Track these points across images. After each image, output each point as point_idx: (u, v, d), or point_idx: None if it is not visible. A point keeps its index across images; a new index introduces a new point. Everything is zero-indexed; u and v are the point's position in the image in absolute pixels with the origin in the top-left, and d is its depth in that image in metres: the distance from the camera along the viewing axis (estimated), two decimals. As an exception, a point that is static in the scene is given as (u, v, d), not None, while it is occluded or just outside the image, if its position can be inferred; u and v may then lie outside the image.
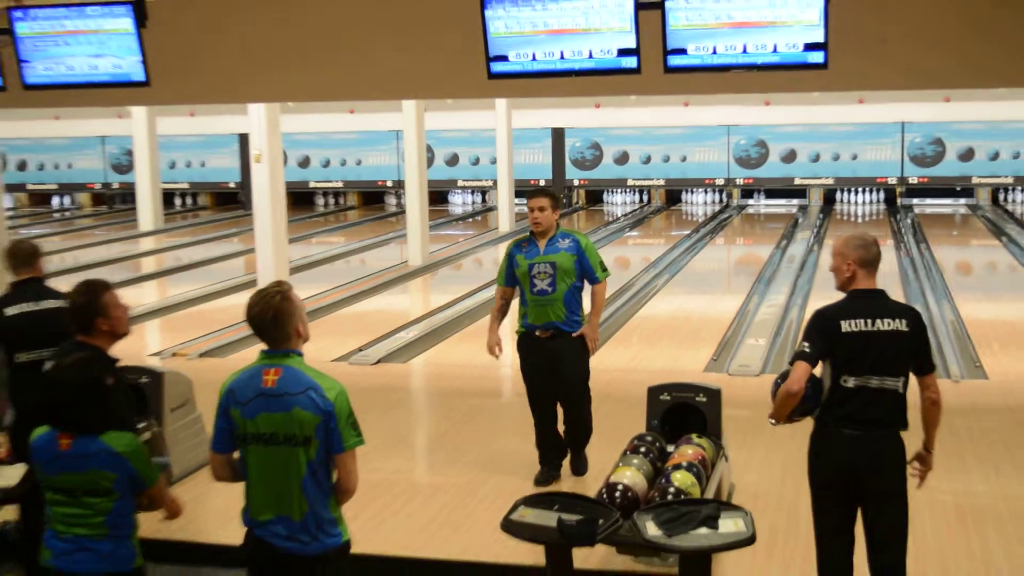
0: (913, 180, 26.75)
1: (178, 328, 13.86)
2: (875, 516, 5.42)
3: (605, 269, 7.73)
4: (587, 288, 7.73)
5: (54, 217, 30.02)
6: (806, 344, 5.40)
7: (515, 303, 7.85)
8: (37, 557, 4.76)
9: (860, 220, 25.56)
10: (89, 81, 7.53)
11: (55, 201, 32.28)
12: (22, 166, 31.12)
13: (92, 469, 4.54)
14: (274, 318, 4.51)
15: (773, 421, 5.53)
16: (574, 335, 7.63)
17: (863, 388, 5.31)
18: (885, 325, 5.31)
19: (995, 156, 26.26)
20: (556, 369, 7.65)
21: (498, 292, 7.98)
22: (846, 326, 5.33)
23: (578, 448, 7.94)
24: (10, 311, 6.45)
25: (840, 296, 5.51)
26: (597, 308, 7.79)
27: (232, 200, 30.71)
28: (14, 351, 6.36)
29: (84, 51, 7.44)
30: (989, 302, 15.24)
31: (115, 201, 31.34)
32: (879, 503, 5.40)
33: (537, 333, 7.67)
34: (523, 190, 27.38)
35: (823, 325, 5.40)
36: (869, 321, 5.32)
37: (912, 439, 5.49)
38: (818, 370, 5.45)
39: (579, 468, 7.90)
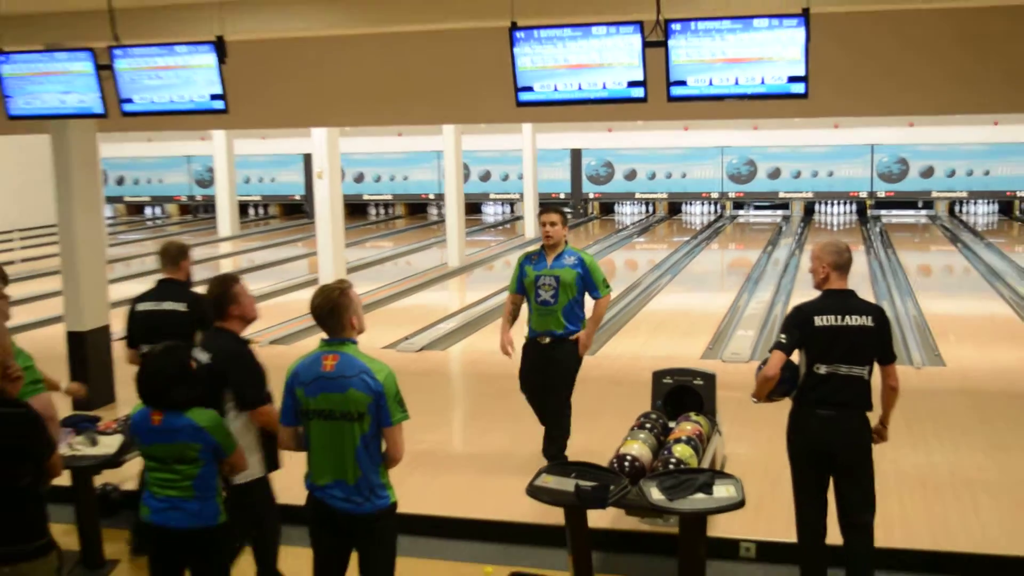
0: (881, 194, 26.59)
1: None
2: (844, 484, 5.45)
3: (607, 286, 7.43)
4: (590, 301, 7.47)
5: (146, 225, 30.13)
6: (783, 336, 5.45)
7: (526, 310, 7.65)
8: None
9: (835, 228, 25.43)
10: (177, 109, 7.54)
11: (147, 211, 32.40)
12: (120, 181, 31.25)
13: (180, 441, 4.60)
14: (332, 310, 4.56)
15: (755, 400, 5.61)
16: (570, 338, 7.38)
17: (833, 375, 5.34)
18: (853, 321, 5.33)
19: (952, 173, 26.06)
20: (548, 364, 7.41)
21: (508, 298, 7.71)
22: (819, 320, 5.35)
23: (557, 453, 7.40)
24: (140, 307, 6.51)
25: (816, 294, 5.53)
26: (595, 318, 7.45)
27: (297, 210, 30.77)
28: (139, 343, 6.35)
29: (173, 83, 7.45)
30: (947, 299, 15.13)
31: (198, 211, 31.44)
32: (848, 474, 5.43)
33: (538, 339, 7.44)
34: (545, 202, 27.45)
35: (799, 319, 5.43)
36: (839, 317, 5.34)
37: (877, 419, 5.48)
38: (796, 358, 5.47)
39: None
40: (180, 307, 6.36)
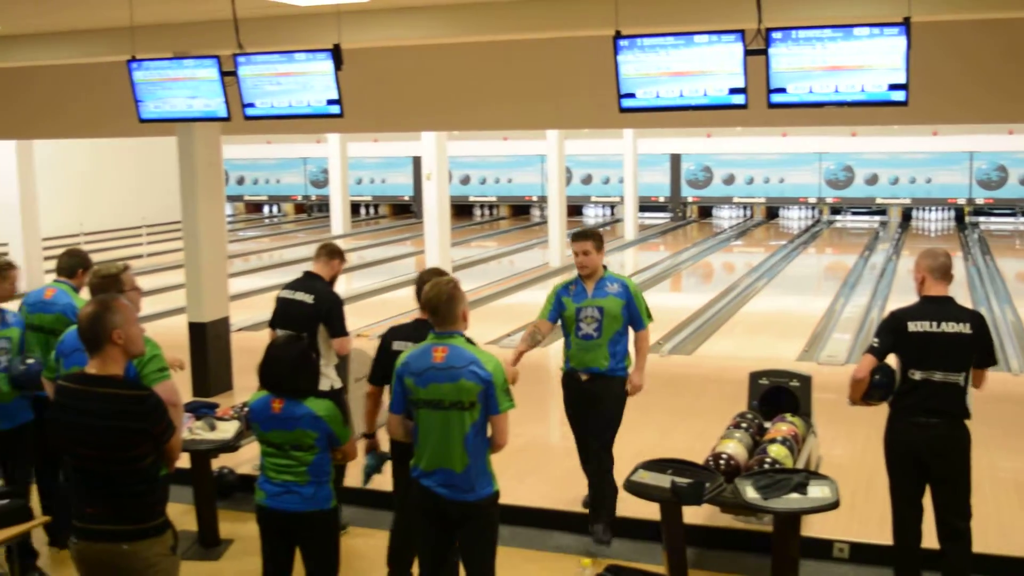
0: (980, 201, 25.92)
1: (362, 313, 14.06)
2: (941, 492, 5.32)
3: (650, 316, 6.52)
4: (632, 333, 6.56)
5: (264, 223, 30.69)
6: (876, 340, 5.35)
7: (559, 342, 6.96)
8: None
9: (933, 235, 24.82)
10: (295, 113, 7.66)
11: (265, 210, 33.00)
12: (240, 181, 31.88)
13: (298, 428, 4.68)
14: (447, 300, 4.59)
15: (851, 402, 5.47)
16: (616, 376, 6.44)
17: (928, 381, 5.20)
18: (949, 327, 5.19)
19: (1054, 180, 25.42)
20: (591, 403, 6.46)
21: (536, 322, 6.73)
22: (912, 326, 5.22)
23: (601, 509, 6.45)
24: (281, 293, 6.79)
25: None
26: (643, 354, 6.53)
27: (406, 210, 31.05)
28: (276, 327, 6.64)
29: (292, 89, 7.57)
30: (1046, 306, 14.69)
31: (312, 210, 31.90)
32: (944, 481, 5.29)
33: (579, 375, 6.52)
34: (646, 205, 27.34)
35: (892, 324, 5.32)
36: (935, 323, 5.20)
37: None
38: (895, 363, 5.34)
39: (602, 537, 6.42)
40: (308, 299, 6.57)
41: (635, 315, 6.42)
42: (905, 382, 5.27)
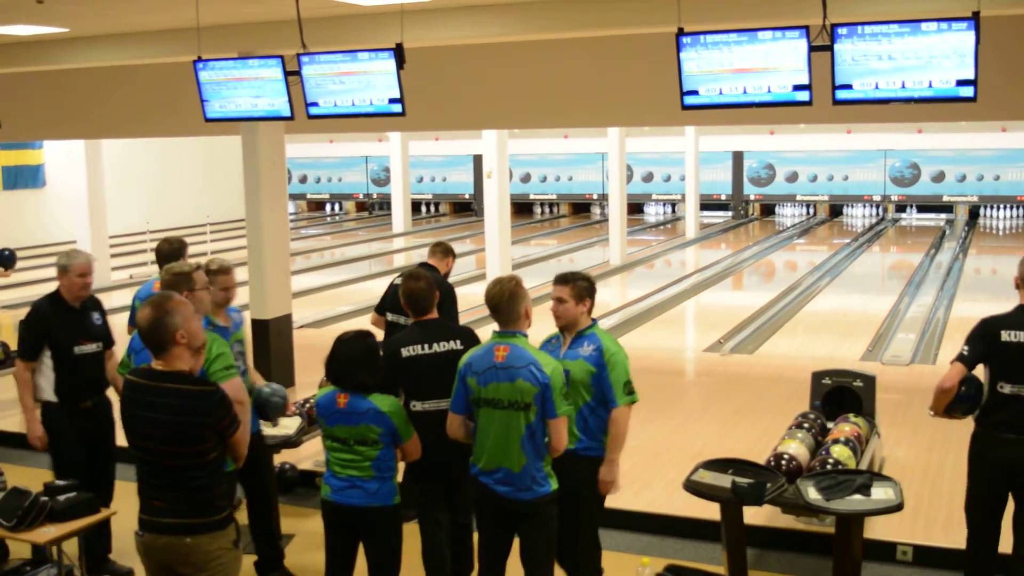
0: (1051, 198, 25.48)
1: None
2: (1022, 515, 5.07)
3: (631, 392, 5.02)
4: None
5: (326, 221, 30.94)
6: (966, 348, 5.04)
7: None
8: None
9: (1001, 233, 24.39)
10: (358, 112, 7.71)
11: (327, 208, 33.27)
12: (303, 179, 32.17)
13: (362, 423, 4.71)
14: (509, 299, 4.62)
15: (932, 413, 5.18)
16: (591, 461, 5.04)
17: (1018, 395, 4.92)
18: None
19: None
20: (564, 491, 4.82)
21: None
22: (1006, 335, 4.93)
23: None
24: (396, 280, 7.07)
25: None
26: (615, 442, 5.01)
27: (467, 208, 31.16)
28: (386, 311, 7.15)
29: (355, 88, 7.61)
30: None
31: (374, 208, 32.11)
32: None
33: None
34: (708, 204, 27.17)
35: (984, 332, 5.02)
36: None
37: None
38: (982, 374, 5.10)
39: None
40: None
41: (606, 389, 4.99)
42: (994, 395, 5.00)
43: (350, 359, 4.77)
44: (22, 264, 20.60)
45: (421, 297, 5.32)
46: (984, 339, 5.01)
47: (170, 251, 6.73)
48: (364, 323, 7.28)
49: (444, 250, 7.39)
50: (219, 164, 27.25)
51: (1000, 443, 4.99)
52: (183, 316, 4.06)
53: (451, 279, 7.43)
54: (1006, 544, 5.23)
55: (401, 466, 4.99)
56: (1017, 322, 4.95)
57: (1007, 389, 4.95)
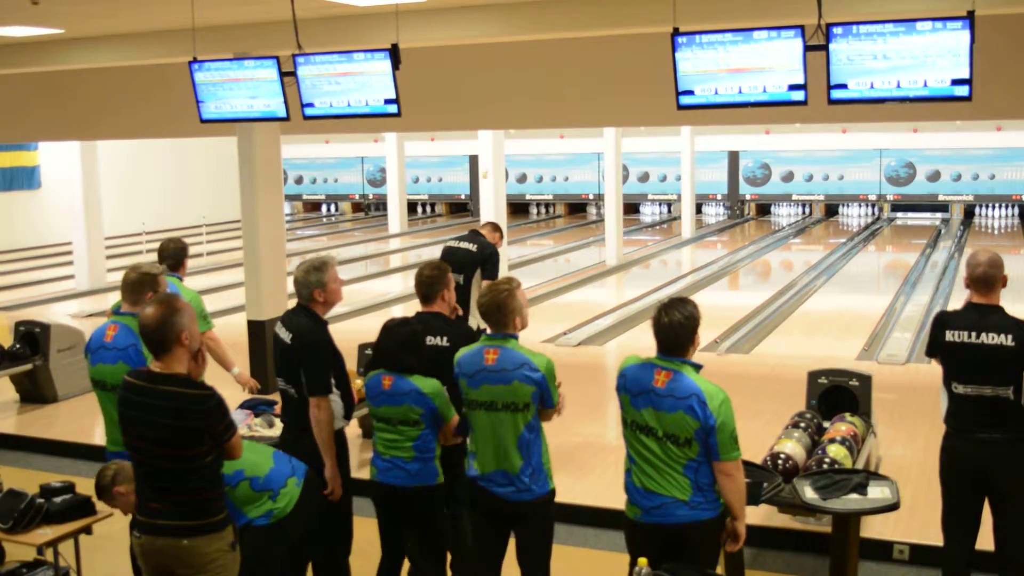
0: (1046, 197, 25.52)
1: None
2: (1001, 512, 5.06)
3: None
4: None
5: (322, 222, 30.91)
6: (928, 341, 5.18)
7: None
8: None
9: (996, 232, 24.42)
10: (354, 113, 7.71)
11: (323, 208, 33.26)
12: (299, 180, 32.13)
13: (405, 403, 4.88)
14: (498, 307, 4.64)
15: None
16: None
17: (975, 395, 4.91)
18: (989, 339, 4.85)
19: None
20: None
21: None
22: (950, 335, 4.96)
23: None
24: (449, 243, 8.48)
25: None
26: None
27: (463, 209, 31.13)
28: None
29: (350, 88, 7.61)
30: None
31: (370, 209, 32.07)
32: (1003, 501, 5.02)
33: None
34: (703, 203, 27.15)
35: (933, 328, 5.09)
36: (974, 334, 4.89)
37: None
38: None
39: None
40: (472, 247, 8.30)
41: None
42: (951, 396, 5.01)
43: (395, 342, 4.96)
44: (20, 266, 20.66)
45: (429, 285, 5.38)
46: (932, 335, 5.09)
47: (175, 250, 6.70)
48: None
49: (494, 227, 8.49)
50: (215, 165, 27.21)
51: (963, 442, 4.99)
52: (189, 317, 4.09)
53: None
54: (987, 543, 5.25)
55: None
56: (962, 322, 4.96)
57: (959, 389, 4.97)
